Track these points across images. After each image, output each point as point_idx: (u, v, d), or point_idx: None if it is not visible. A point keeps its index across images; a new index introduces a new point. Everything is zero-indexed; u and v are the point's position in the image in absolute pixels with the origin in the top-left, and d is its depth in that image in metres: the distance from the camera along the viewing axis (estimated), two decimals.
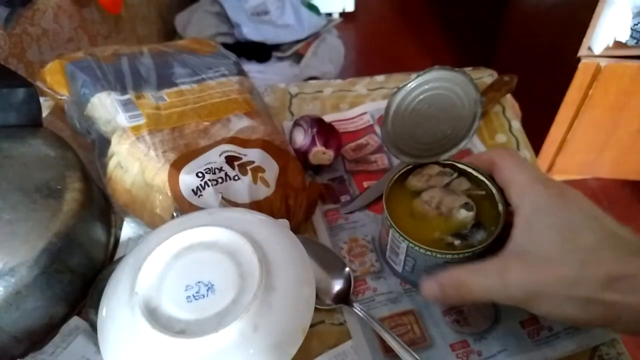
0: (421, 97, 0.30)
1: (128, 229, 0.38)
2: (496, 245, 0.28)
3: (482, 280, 0.26)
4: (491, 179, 0.31)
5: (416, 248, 0.29)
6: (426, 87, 0.30)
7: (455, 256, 0.29)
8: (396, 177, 0.33)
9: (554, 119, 1.03)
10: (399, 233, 0.30)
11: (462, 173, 0.33)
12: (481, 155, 0.33)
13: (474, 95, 0.30)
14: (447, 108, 0.31)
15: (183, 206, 0.34)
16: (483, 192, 0.32)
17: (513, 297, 0.25)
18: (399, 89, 0.30)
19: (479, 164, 0.32)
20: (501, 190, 0.30)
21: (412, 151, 0.33)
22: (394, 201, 0.32)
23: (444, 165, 0.33)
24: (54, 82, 0.40)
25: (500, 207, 0.30)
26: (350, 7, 1.81)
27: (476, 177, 0.33)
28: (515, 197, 0.28)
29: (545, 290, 0.24)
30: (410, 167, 0.34)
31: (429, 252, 0.29)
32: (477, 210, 0.31)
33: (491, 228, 0.30)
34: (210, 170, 0.35)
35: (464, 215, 0.30)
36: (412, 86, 0.30)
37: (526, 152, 0.45)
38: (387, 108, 0.30)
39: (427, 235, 0.30)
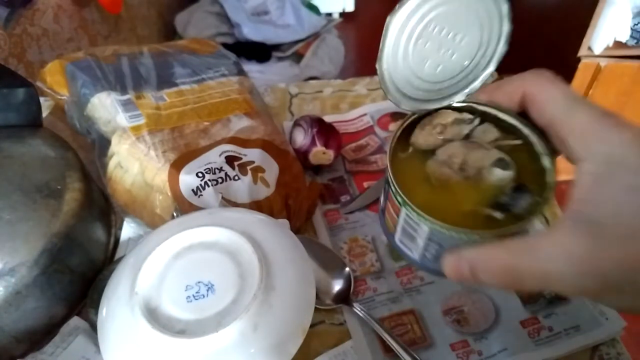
0: (429, 17, 0.22)
1: (128, 229, 0.38)
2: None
3: (539, 264, 0.19)
4: (526, 120, 0.23)
5: (443, 230, 0.21)
6: (435, 1, 0.22)
7: (500, 234, 0.21)
8: (399, 132, 0.25)
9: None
10: (416, 212, 0.22)
11: (486, 117, 0.25)
12: (506, 86, 0.24)
13: (502, 6, 0.22)
14: (464, 30, 0.23)
15: (183, 206, 0.34)
16: (518, 141, 0.24)
17: (584, 289, 0.19)
18: (399, 5, 0.22)
19: (506, 99, 0.24)
20: (542, 134, 0.23)
21: (417, 94, 0.25)
22: (401, 167, 0.24)
23: (461, 110, 0.25)
24: (54, 82, 0.40)
25: (547, 160, 0.23)
26: (350, 7, 1.81)
27: (505, 120, 0.24)
28: (575, 144, 0.20)
29: (634, 278, 0.18)
30: (416, 117, 0.26)
31: (463, 235, 0.21)
32: (515, 166, 0.23)
33: (537, 190, 0.22)
34: (210, 170, 0.35)
35: (500, 175, 0.23)
36: (417, 2, 0.22)
37: None
38: (384, 36, 0.22)
39: (454, 209, 0.22)
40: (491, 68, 0.24)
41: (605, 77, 0.94)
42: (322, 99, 0.53)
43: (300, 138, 0.42)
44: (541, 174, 0.23)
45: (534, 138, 0.23)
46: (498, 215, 0.22)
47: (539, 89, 0.22)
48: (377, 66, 0.23)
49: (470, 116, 0.25)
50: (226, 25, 1.28)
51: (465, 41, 0.23)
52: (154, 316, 0.26)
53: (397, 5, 0.22)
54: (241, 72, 0.46)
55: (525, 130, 0.24)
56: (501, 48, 0.24)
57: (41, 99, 0.38)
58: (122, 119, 0.37)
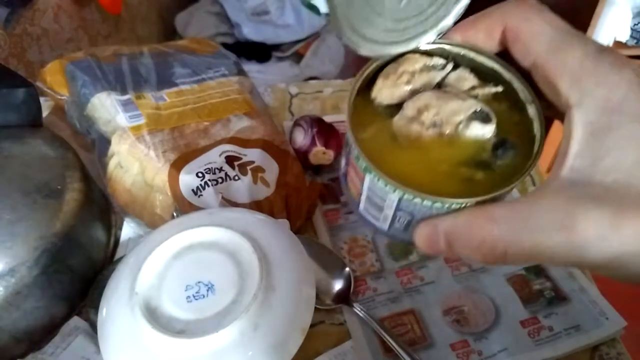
0: None
1: (128, 229, 0.38)
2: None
3: (527, 235, 0.16)
4: (507, 62, 0.20)
5: (416, 199, 0.18)
6: None
7: (480, 199, 0.18)
8: (359, 84, 0.21)
9: (553, 119, 1.03)
10: (383, 180, 0.19)
11: (460, 61, 0.22)
12: (483, 21, 0.20)
13: None
14: None
15: (183, 206, 0.34)
16: (499, 88, 0.21)
17: (590, 262, 0.15)
18: None
19: (483, 38, 0.20)
20: (526, 79, 0.20)
21: (379, 36, 0.21)
22: (363, 126, 0.20)
23: (430, 54, 0.21)
24: (54, 82, 0.40)
25: (533, 110, 0.20)
26: None
27: (483, 64, 0.21)
28: (566, 86, 0.17)
29: None
30: (378, 64, 0.22)
31: (438, 203, 0.18)
32: (497, 118, 0.20)
33: (524, 145, 0.19)
34: (210, 170, 0.35)
35: (479, 130, 0.19)
36: None
37: None
38: None
39: (427, 172, 0.19)
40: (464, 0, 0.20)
41: None
42: (322, 99, 0.53)
43: (300, 138, 0.42)
44: (527, 126, 0.20)
45: (517, 84, 0.20)
46: (479, 175, 0.19)
47: (522, 21, 0.18)
48: (326, 2, 0.19)
49: (442, 61, 0.21)
50: (226, 25, 1.28)
51: None
52: (154, 316, 0.26)
53: None
54: (241, 72, 0.46)
55: (507, 75, 0.20)
56: None
57: (41, 99, 0.38)
58: (122, 119, 0.37)
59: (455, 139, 0.20)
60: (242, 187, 0.35)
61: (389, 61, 0.22)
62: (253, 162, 0.37)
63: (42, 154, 0.35)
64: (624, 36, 0.90)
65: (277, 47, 1.28)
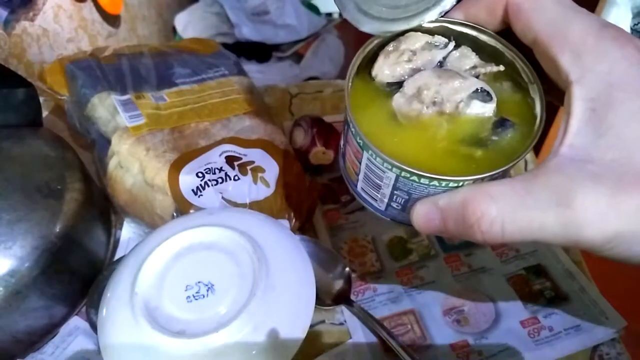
0: None
1: (128, 229, 0.38)
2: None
3: (527, 213, 0.16)
4: (509, 42, 0.20)
5: (413, 177, 0.18)
6: None
7: (478, 177, 0.18)
8: (360, 61, 0.21)
9: (553, 119, 1.03)
10: (380, 157, 0.19)
11: (462, 40, 0.22)
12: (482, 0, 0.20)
13: None
14: None
15: (183, 206, 0.34)
16: (500, 67, 0.21)
17: (587, 241, 0.15)
18: None
19: (486, 15, 0.20)
20: (528, 56, 0.19)
21: (380, 13, 0.21)
22: (362, 104, 0.20)
23: (432, 32, 0.21)
24: (54, 82, 0.40)
25: (534, 90, 0.20)
26: None
27: (485, 43, 0.21)
28: (567, 62, 0.16)
29: None
30: (379, 42, 0.22)
31: (436, 182, 0.18)
32: (497, 97, 0.20)
33: (524, 125, 0.19)
34: (210, 170, 0.35)
35: (480, 109, 0.19)
36: None
37: None
38: None
39: (425, 150, 0.19)
40: None
41: None
42: (322, 99, 0.53)
43: (300, 138, 0.42)
44: (528, 106, 0.20)
45: (519, 64, 0.20)
46: (478, 154, 0.18)
47: None
48: None
49: (443, 39, 0.21)
50: (226, 25, 1.28)
51: None
52: (154, 316, 0.26)
53: None
54: (241, 72, 0.46)
55: (509, 54, 0.20)
56: None
57: (41, 99, 0.38)
58: (122, 118, 0.37)
59: (456, 117, 0.20)
60: (242, 187, 0.35)
61: (390, 39, 0.22)
62: (253, 162, 0.37)
63: (42, 154, 0.35)
64: None
65: (277, 47, 1.28)
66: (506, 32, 0.20)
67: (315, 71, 1.26)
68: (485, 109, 0.19)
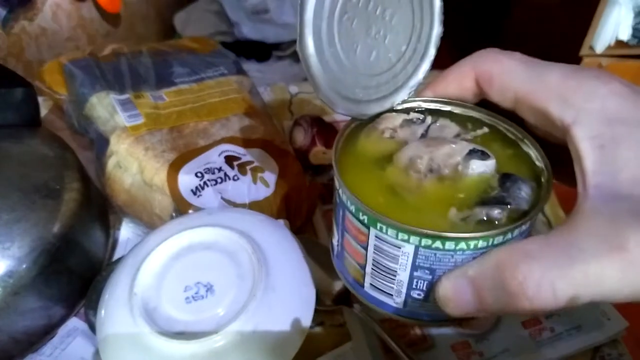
0: None
1: (127, 229, 0.38)
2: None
3: (579, 267, 0.14)
4: (486, 108, 0.20)
5: (436, 245, 0.16)
6: None
7: (509, 229, 0.16)
8: (341, 144, 0.21)
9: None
10: (394, 227, 0.17)
11: (439, 114, 0.22)
12: (453, 73, 0.20)
13: None
14: (392, 3, 0.19)
15: (182, 206, 0.34)
16: (485, 130, 0.21)
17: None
18: None
19: (456, 88, 0.20)
20: (510, 120, 0.20)
21: (354, 94, 0.21)
22: (356, 181, 0.19)
23: (407, 111, 0.22)
24: (53, 81, 0.40)
25: (527, 142, 0.19)
26: None
27: (461, 114, 0.21)
28: (557, 108, 0.16)
29: None
30: (358, 123, 0.22)
31: (462, 243, 0.16)
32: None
33: (529, 176, 0.19)
34: (209, 170, 0.35)
35: (481, 166, 0.19)
36: None
37: None
38: (301, 9, 0.18)
39: (438, 219, 0.17)
40: (430, 54, 0.21)
41: None
42: None
43: (300, 138, 0.42)
44: (525, 160, 0.19)
45: (502, 126, 0.20)
46: (496, 213, 0.17)
47: (492, 63, 0.18)
48: (298, 50, 0.19)
49: (420, 115, 0.21)
50: (225, 24, 1.28)
51: (397, 19, 0.19)
52: (153, 317, 0.26)
53: None
54: (240, 71, 0.46)
55: (489, 120, 0.21)
56: (436, 29, 0.20)
57: (40, 99, 0.38)
58: (121, 118, 0.37)
59: (459, 180, 0.19)
60: (241, 187, 0.35)
61: (368, 120, 0.22)
62: (252, 162, 0.37)
63: (41, 153, 0.35)
64: (626, 35, 0.90)
65: (276, 46, 1.28)
66: (480, 103, 0.21)
67: None
68: (487, 166, 0.19)
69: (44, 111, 0.45)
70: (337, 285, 0.34)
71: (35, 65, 0.61)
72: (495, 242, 0.16)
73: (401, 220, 0.16)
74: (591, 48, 0.92)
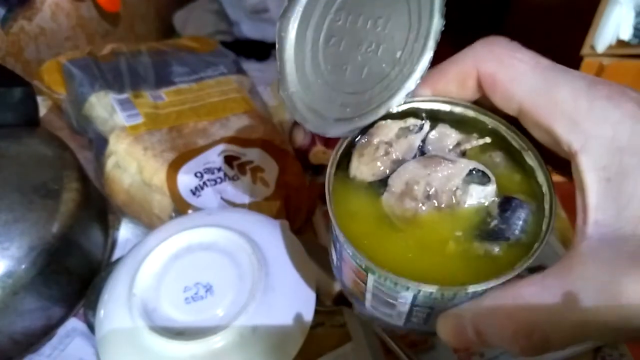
0: (335, 5, 0.15)
1: (126, 230, 0.38)
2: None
3: (573, 314, 0.13)
4: (486, 110, 0.19)
5: (435, 296, 0.16)
6: None
7: (506, 278, 0.15)
8: (334, 169, 0.19)
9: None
10: (392, 280, 0.16)
11: (437, 117, 0.20)
12: (453, 69, 0.18)
13: None
14: (386, 10, 0.17)
15: (181, 206, 0.34)
16: (487, 139, 0.19)
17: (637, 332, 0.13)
18: (289, 2, 0.15)
19: (456, 87, 0.18)
20: (514, 125, 0.18)
21: (344, 113, 0.18)
22: (349, 212, 0.18)
23: (403, 116, 0.20)
24: (52, 81, 0.40)
25: (531, 157, 0.18)
26: None
27: (462, 115, 0.19)
28: (564, 130, 0.15)
29: None
30: (349, 140, 0.20)
31: (461, 292, 0.16)
32: (493, 173, 0.18)
33: (532, 199, 0.17)
34: (208, 170, 0.35)
35: (480, 194, 0.17)
36: None
37: None
38: (279, 49, 0.16)
39: (435, 255, 0.17)
40: (428, 52, 0.18)
41: (608, 76, 0.94)
42: None
43: (300, 138, 0.42)
44: (529, 176, 0.18)
45: (505, 131, 0.18)
46: (496, 250, 0.16)
47: (497, 65, 0.16)
48: (280, 93, 0.16)
49: (417, 121, 0.19)
50: (225, 23, 1.27)
51: (391, 25, 0.17)
52: (152, 318, 0.25)
53: (287, 1, 0.15)
54: (240, 71, 0.46)
55: (491, 123, 0.18)
56: (436, 23, 0.18)
57: (38, 98, 0.38)
58: (120, 118, 0.37)
59: (456, 210, 0.17)
60: (241, 187, 0.35)
61: (360, 133, 0.20)
62: (252, 161, 0.37)
63: (39, 153, 0.35)
64: (627, 35, 0.90)
65: None
66: (482, 100, 0.19)
67: None
68: (486, 193, 0.17)
69: (42, 111, 0.45)
70: (337, 286, 0.34)
71: (34, 65, 0.61)
72: (494, 286, 0.16)
73: (399, 268, 0.16)
74: (592, 48, 0.92)
